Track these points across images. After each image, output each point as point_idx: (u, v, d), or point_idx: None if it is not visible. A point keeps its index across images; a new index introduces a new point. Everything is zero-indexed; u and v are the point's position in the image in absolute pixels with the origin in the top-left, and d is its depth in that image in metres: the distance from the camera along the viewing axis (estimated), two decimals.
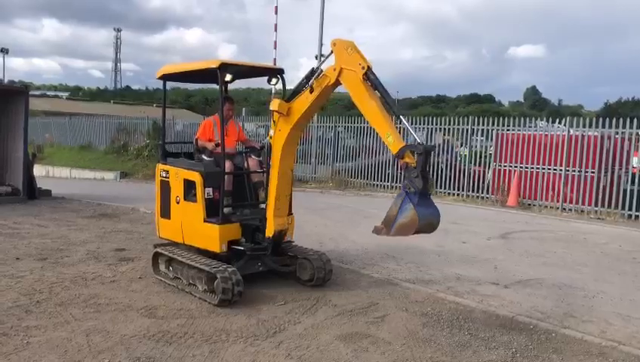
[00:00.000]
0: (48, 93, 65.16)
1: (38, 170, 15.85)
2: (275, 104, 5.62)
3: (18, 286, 5.93)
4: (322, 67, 5.41)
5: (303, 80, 5.56)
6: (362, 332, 4.89)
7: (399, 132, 5.09)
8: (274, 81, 6.40)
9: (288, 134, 5.67)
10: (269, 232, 5.89)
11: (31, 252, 7.54)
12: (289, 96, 5.69)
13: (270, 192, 5.88)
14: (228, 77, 6.34)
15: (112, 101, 59.60)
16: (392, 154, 4.93)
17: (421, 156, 4.61)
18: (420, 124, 17.09)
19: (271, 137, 5.84)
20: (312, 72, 5.46)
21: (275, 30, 21.09)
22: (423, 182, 4.63)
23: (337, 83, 5.25)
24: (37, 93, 53.73)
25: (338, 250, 8.05)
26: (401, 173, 16.88)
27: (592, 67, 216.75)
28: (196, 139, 6.73)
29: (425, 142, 4.83)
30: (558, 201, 13.73)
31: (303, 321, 5.12)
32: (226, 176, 6.14)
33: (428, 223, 4.79)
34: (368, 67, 4.94)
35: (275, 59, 19.77)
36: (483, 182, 15.36)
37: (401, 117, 5.06)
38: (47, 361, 4.07)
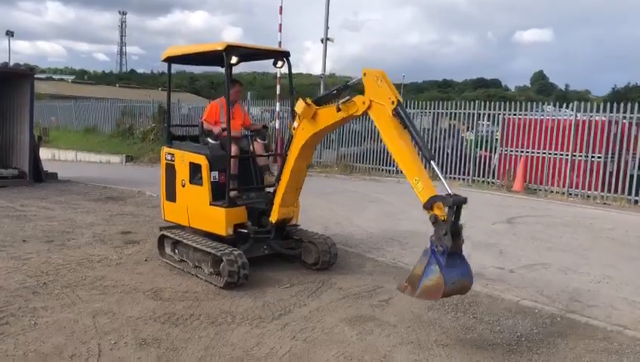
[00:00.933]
0: (54, 76, 65.10)
1: (44, 153, 15.91)
2: (300, 106, 5.35)
3: (25, 268, 5.96)
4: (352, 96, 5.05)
5: (333, 90, 5.41)
6: (367, 315, 4.91)
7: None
8: (280, 63, 6.36)
9: (310, 137, 5.50)
10: (273, 218, 5.91)
11: (37, 234, 7.58)
12: (316, 99, 5.47)
13: (281, 183, 5.86)
14: (234, 59, 6.29)
15: (117, 84, 59.51)
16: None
17: (451, 210, 4.08)
18: (426, 108, 17.02)
19: (294, 128, 5.69)
20: (346, 86, 5.30)
21: (281, 13, 20.85)
22: (453, 240, 4.07)
23: (365, 114, 4.95)
24: (42, 76, 53.69)
25: (343, 234, 8.05)
26: None
27: (600, 52, 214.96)
28: (202, 122, 6.71)
29: (456, 195, 4.14)
30: (564, 186, 13.68)
31: (309, 304, 5.13)
32: (231, 160, 6.14)
33: (457, 287, 4.23)
34: (398, 101, 4.58)
35: (280, 42, 19.60)
36: (489, 167, 15.31)
37: (432, 161, 4.48)
38: (54, 342, 4.10)
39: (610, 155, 13.11)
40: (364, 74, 4.83)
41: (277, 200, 5.89)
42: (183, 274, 5.93)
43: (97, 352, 3.95)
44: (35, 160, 13.46)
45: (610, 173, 13.04)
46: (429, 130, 16.86)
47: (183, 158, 6.31)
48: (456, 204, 4.11)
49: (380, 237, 8.11)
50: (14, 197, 10.72)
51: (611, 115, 13.15)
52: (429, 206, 4.23)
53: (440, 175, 4.47)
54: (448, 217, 4.11)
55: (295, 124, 5.62)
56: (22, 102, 13.36)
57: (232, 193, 6.10)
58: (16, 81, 13.49)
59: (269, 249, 6.11)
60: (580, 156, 13.52)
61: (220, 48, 5.88)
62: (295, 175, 5.80)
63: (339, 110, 5.08)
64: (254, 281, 5.60)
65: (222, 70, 6.23)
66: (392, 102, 4.60)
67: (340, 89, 5.37)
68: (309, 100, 5.36)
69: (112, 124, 26.00)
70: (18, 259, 6.27)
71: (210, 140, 6.45)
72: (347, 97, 5.04)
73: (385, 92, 4.69)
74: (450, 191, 4.23)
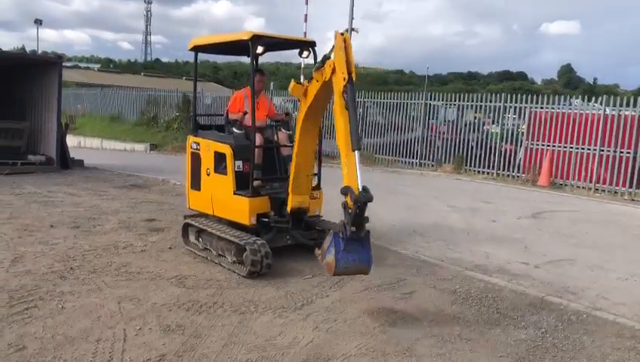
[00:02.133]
0: (80, 64, 65.93)
1: (70, 141, 16.13)
2: (291, 87, 5.50)
3: (52, 252, 6.07)
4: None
5: (319, 63, 5.17)
6: (390, 307, 4.89)
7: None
8: (305, 54, 6.33)
9: (305, 115, 5.52)
10: (288, 207, 5.92)
11: (64, 220, 7.71)
12: (311, 77, 5.40)
13: (291, 169, 5.87)
14: (259, 49, 6.28)
15: (142, 73, 60.05)
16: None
17: (355, 204, 4.27)
18: (450, 100, 16.85)
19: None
20: (322, 59, 5.09)
21: (306, 3, 20.86)
22: (352, 230, 4.36)
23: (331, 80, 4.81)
24: (69, 64, 54.42)
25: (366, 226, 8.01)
26: (427, 150, 16.80)
27: (629, 45, 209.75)
28: (227, 112, 6.73)
29: (366, 191, 4.30)
30: (591, 182, 13.44)
31: (331, 295, 5.14)
32: (256, 150, 6.15)
33: (352, 270, 4.57)
34: (350, 80, 4.50)
35: (305, 32, 19.58)
36: (514, 161, 15.12)
37: (355, 152, 4.46)
38: (81, 326, 4.17)
39: (639, 151, 12.84)
40: (335, 36, 4.69)
41: (290, 187, 5.89)
42: (207, 263, 5.98)
43: (123, 337, 4.01)
44: (62, 147, 13.68)
45: (639, 169, 12.78)
46: (453, 122, 16.70)
47: (208, 147, 6.35)
48: (358, 203, 4.28)
49: (403, 229, 8.07)
50: (42, 183, 10.92)
51: None
52: (343, 192, 4.41)
53: (357, 168, 4.44)
54: (353, 210, 4.30)
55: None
56: (50, 90, 13.57)
57: (256, 183, 6.12)
58: (45, 69, 13.70)
59: (291, 239, 6.12)
60: (608, 151, 13.27)
61: (245, 38, 5.88)
62: (302, 158, 5.75)
63: (317, 80, 5.09)
64: (277, 271, 5.62)
65: (245, 60, 6.25)
66: (344, 79, 4.53)
67: (323, 60, 5.06)
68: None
69: (136, 112, 26.25)
70: (46, 244, 6.39)
71: (235, 130, 6.46)
72: (320, 64, 4.99)
73: (342, 64, 4.58)
74: (359, 187, 4.34)
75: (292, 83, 5.53)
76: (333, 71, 4.72)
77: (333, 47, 4.74)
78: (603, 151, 13.36)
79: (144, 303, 4.70)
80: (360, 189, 4.32)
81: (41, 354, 3.70)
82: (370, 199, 4.33)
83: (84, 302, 4.67)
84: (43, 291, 4.86)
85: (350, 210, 4.33)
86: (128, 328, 4.17)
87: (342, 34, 4.69)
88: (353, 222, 4.34)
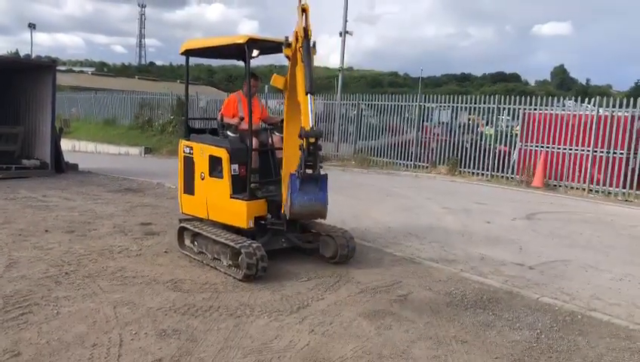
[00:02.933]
0: (74, 68, 65.80)
1: (64, 145, 16.08)
2: (273, 79, 5.74)
3: (47, 257, 6.05)
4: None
5: (286, 42, 5.63)
6: (385, 309, 4.90)
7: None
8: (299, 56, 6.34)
9: (288, 107, 5.72)
10: (282, 208, 5.90)
11: (59, 224, 7.69)
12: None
13: (283, 169, 5.89)
14: (255, 52, 6.28)
15: (136, 77, 59.94)
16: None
17: (306, 140, 4.61)
18: (444, 102, 16.90)
19: None
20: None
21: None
22: (305, 167, 4.65)
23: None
24: (63, 68, 54.29)
25: (360, 228, 8.04)
26: (422, 152, 16.85)
27: (622, 46, 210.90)
28: (221, 115, 6.73)
29: (312, 129, 4.80)
30: (584, 183, 13.51)
31: (327, 298, 5.14)
32: (254, 153, 6.16)
33: (308, 211, 4.81)
34: (306, 37, 5.00)
35: (286, 37, 19.62)
36: (508, 162, 15.18)
37: (309, 96, 4.99)
38: (76, 331, 4.16)
39: (632, 152, 12.91)
40: (298, 7, 5.25)
41: (283, 188, 5.89)
42: (202, 266, 5.97)
43: (119, 342, 4.00)
44: (57, 151, 13.64)
45: (633, 170, 12.86)
46: (447, 124, 16.75)
47: (202, 151, 6.34)
48: (306, 137, 4.67)
49: (398, 231, 8.09)
50: (36, 188, 10.88)
51: (634, 110, 12.95)
52: (300, 135, 4.80)
53: (310, 110, 4.92)
54: (306, 148, 4.68)
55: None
56: (44, 93, 13.54)
57: (253, 185, 6.13)
58: (39, 73, 13.66)
59: (287, 242, 6.12)
60: (602, 152, 13.34)
61: (241, 41, 5.88)
62: (291, 154, 5.73)
63: (288, 58, 5.43)
64: (272, 274, 5.62)
65: (240, 63, 6.23)
66: (301, 36, 5.09)
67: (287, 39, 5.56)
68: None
69: (131, 116, 26.20)
70: (41, 249, 6.37)
71: (230, 133, 6.46)
72: (285, 42, 5.44)
73: (300, 26, 5.13)
74: (312, 126, 4.81)
75: (274, 75, 5.72)
76: (296, 39, 5.21)
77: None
78: (596, 152, 13.43)
79: (140, 307, 4.69)
80: (311, 126, 4.71)
81: (36, 359, 3.69)
82: (319, 134, 4.72)
83: (80, 306, 4.66)
84: (38, 296, 4.84)
85: (304, 150, 4.62)
86: (124, 333, 4.16)
87: (301, 2, 5.25)
88: (306, 160, 4.63)
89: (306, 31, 5.09)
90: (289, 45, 5.39)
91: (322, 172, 5.20)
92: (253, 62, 7.05)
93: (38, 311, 4.52)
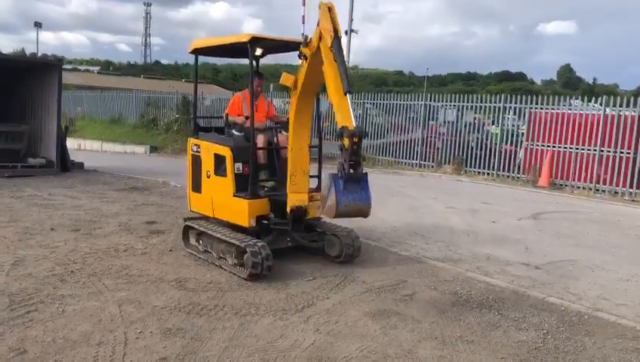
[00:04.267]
0: (80, 67, 65.98)
1: (70, 143, 16.13)
2: (282, 77, 5.67)
3: (53, 256, 6.07)
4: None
5: (304, 41, 5.56)
6: (391, 309, 4.88)
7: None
8: None
9: (297, 107, 5.69)
10: (288, 207, 5.89)
11: (65, 223, 7.71)
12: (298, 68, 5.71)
13: (288, 166, 5.88)
14: (258, 51, 6.28)
15: (141, 76, 60.07)
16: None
17: (350, 140, 4.52)
18: (450, 101, 16.86)
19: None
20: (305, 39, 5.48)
21: (304, 4, 20.89)
22: (350, 168, 4.58)
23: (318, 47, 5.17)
24: (69, 67, 54.44)
25: (366, 227, 8.01)
26: (427, 151, 16.82)
27: (629, 45, 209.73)
28: (226, 114, 6.73)
29: (357, 128, 4.63)
30: (591, 182, 13.44)
31: (332, 297, 5.13)
32: (260, 151, 6.16)
33: (352, 210, 4.71)
34: (336, 36, 4.87)
35: (303, 34, 19.59)
36: (514, 162, 15.12)
37: (348, 95, 4.87)
38: (82, 329, 4.16)
39: (639, 151, 12.84)
40: (319, 5, 5.12)
41: (288, 186, 5.89)
42: (207, 265, 5.97)
43: (123, 340, 4.00)
44: (62, 149, 13.67)
45: None
46: (453, 123, 16.70)
47: (208, 150, 6.35)
48: (353, 136, 4.53)
49: (403, 231, 8.07)
50: (42, 186, 10.91)
51: None
52: (339, 135, 4.65)
53: (350, 110, 4.80)
54: (349, 147, 4.54)
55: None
56: (50, 92, 13.57)
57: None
58: (45, 72, 13.69)
59: (292, 241, 6.10)
60: (608, 152, 13.28)
61: (244, 40, 5.88)
62: (297, 155, 5.82)
63: (305, 57, 5.36)
64: (277, 273, 5.61)
65: (245, 62, 6.23)
66: (331, 36, 4.90)
67: (306, 38, 5.46)
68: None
69: (136, 114, 26.27)
70: (46, 248, 6.38)
71: (235, 132, 6.46)
72: (305, 42, 5.36)
73: (328, 24, 4.97)
74: (354, 125, 4.68)
75: (284, 74, 5.67)
76: (321, 38, 5.06)
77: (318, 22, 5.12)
78: (603, 151, 13.37)
79: (145, 306, 4.69)
80: (354, 125, 4.63)
81: (42, 357, 3.69)
82: (362, 133, 4.63)
83: (85, 305, 4.66)
84: (44, 294, 4.85)
85: (347, 150, 4.55)
86: (129, 331, 4.16)
87: (325, 3, 5.11)
88: (351, 160, 4.55)
89: (336, 30, 4.98)
90: (307, 44, 5.31)
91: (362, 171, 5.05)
92: (260, 61, 7.07)
93: (44, 309, 4.53)
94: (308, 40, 5.32)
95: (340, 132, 4.61)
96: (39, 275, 5.36)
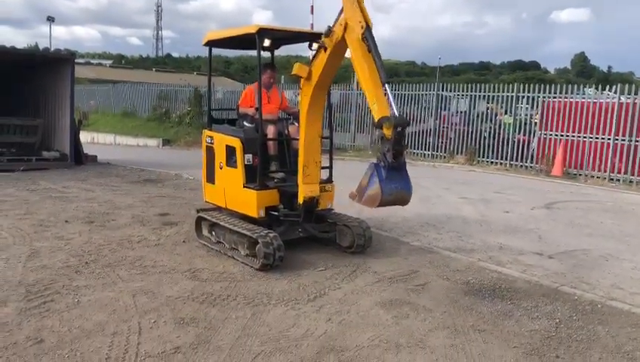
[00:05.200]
0: (92, 61, 66.33)
1: (83, 137, 16.28)
2: (295, 67, 5.62)
3: (68, 247, 6.14)
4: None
5: (321, 40, 5.48)
6: (402, 299, 4.89)
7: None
8: (315, 46, 6.28)
9: (311, 98, 5.65)
10: (300, 198, 5.90)
11: (79, 215, 7.79)
12: (311, 59, 5.66)
13: (299, 159, 5.88)
14: (267, 42, 6.27)
15: (153, 69, 60.27)
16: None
17: (395, 129, 4.52)
18: (462, 91, 16.74)
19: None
20: (327, 30, 5.36)
21: None
22: (393, 157, 4.59)
23: (343, 38, 5.09)
24: (81, 61, 54.75)
25: (377, 218, 8.01)
26: (440, 142, 16.73)
27: None
28: (238, 106, 6.76)
29: (403, 115, 4.65)
30: (605, 171, 13.31)
31: (343, 287, 5.14)
32: (270, 142, 6.17)
33: (395, 198, 4.75)
34: (368, 26, 4.79)
35: (312, 24, 19.56)
36: (527, 151, 15.01)
37: (386, 86, 4.88)
38: (96, 319, 4.22)
39: None
40: None
41: (299, 177, 5.88)
42: (220, 256, 6.01)
43: (138, 330, 4.05)
44: (76, 143, 13.82)
45: None
46: (466, 113, 16.59)
47: (220, 141, 6.39)
48: (398, 125, 4.56)
49: (415, 221, 8.06)
50: (56, 179, 11.03)
51: None
52: (379, 125, 4.65)
53: (391, 100, 4.84)
54: (392, 137, 4.54)
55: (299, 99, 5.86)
56: (63, 86, 13.70)
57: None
58: (58, 66, 13.82)
59: (303, 232, 6.12)
60: (623, 140, 13.12)
61: (252, 31, 5.89)
62: (310, 146, 5.81)
63: (325, 49, 5.29)
64: (289, 264, 5.63)
65: (255, 53, 6.23)
66: (362, 27, 4.80)
67: (330, 29, 5.35)
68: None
69: (148, 107, 26.39)
70: (61, 239, 6.46)
71: (246, 123, 6.49)
72: (327, 32, 5.26)
73: (357, 15, 4.86)
74: (396, 114, 4.76)
75: (297, 64, 5.64)
76: (345, 28, 4.99)
77: (341, 10, 5.06)
78: (618, 140, 13.21)
79: (158, 296, 4.74)
80: (397, 115, 4.67)
81: (58, 346, 3.75)
82: (407, 122, 4.67)
83: (100, 295, 4.72)
84: (59, 285, 4.92)
85: (389, 139, 4.55)
86: (143, 321, 4.21)
87: None
88: (394, 148, 4.55)
89: (366, 18, 4.91)
90: (329, 34, 5.24)
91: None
92: (269, 54, 7.07)
93: (60, 299, 4.60)
94: (329, 33, 5.23)
95: (380, 122, 4.61)
96: (54, 266, 5.44)
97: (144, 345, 3.82)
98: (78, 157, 13.75)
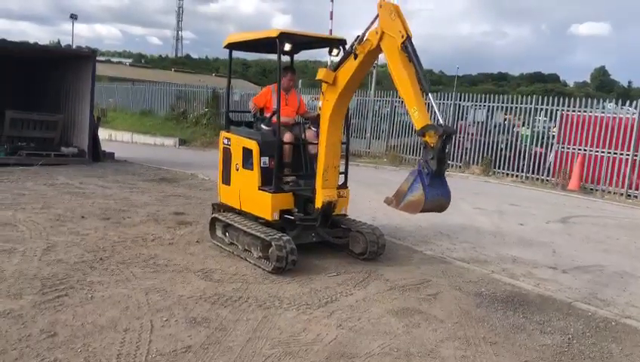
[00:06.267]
0: (112, 59, 67.05)
1: (102, 134, 16.43)
2: (321, 73, 5.61)
3: (83, 243, 6.21)
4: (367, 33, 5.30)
5: (349, 48, 5.50)
6: (414, 308, 4.87)
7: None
8: (335, 52, 6.30)
9: (335, 104, 5.64)
10: (318, 203, 5.88)
11: (95, 211, 7.87)
12: (336, 65, 5.66)
13: (319, 163, 5.88)
14: (287, 47, 6.29)
15: (172, 69, 60.75)
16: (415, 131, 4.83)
17: (441, 138, 4.55)
18: (480, 101, 16.66)
19: (320, 108, 5.84)
20: (357, 38, 5.36)
21: (332, 0, 20.93)
22: (437, 165, 4.61)
23: (379, 48, 5.11)
24: (102, 59, 55.37)
25: (391, 226, 8.01)
26: (456, 151, 16.64)
27: None
28: (253, 105, 6.80)
29: (448, 124, 4.64)
30: (623, 187, 13.16)
31: (355, 293, 5.14)
32: (286, 147, 6.19)
33: (436, 204, 4.82)
34: (408, 36, 4.80)
35: (330, 30, 19.63)
36: (544, 164, 14.89)
37: (429, 95, 4.91)
38: (109, 315, 4.26)
39: None
40: (380, 5, 5.05)
41: (318, 181, 5.87)
42: (233, 257, 6.04)
43: (150, 328, 4.08)
44: (94, 140, 13.94)
45: None
46: (483, 123, 16.50)
47: (237, 143, 6.43)
48: (446, 134, 4.58)
49: (429, 230, 8.03)
50: (74, 175, 11.15)
51: None
52: (421, 133, 4.68)
53: (435, 108, 4.97)
54: (437, 144, 4.57)
55: (320, 103, 5.84)
56: (83, 83, 13.84)
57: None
58: (79, 63, 13.97)
59: (317, 237, 6.12)
60: None
61: (273, 35, 5.92)
62: (330, 151, 5.81)
63: (355, 56, 5.31)
64: (302, 268, 5.64)
65: (274, 57, 6.26)
66: (402, 36, 4.82)
67: (353, 44, 5.40)
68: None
69: (166, 107, 26.57)
70: (77, 234, 6.53)
71: (263, 126, 6.50)
72: (360, 38, 5.29)
73: (397, 25, 4.88)
74: (442, 123, 4.83)
75: (323, 69, 5.65)
76: (381, 37, 5.02)
77: (376, 17, 5.08)
78: (637, 156, 13.06)
79: (171, 295, 4.77)
80: (443, 124, 4.71)
81: (71, 341, 3.79)
82: (454, 131, 4.70)
83: (113, 292, 4.76)
84: (74, 280, 4.97)
85: (433, 146, 4.59)
86: (155, 319, 4.24)
87: (390, 3, 5.01)
88: (438, 156, 4.59)
89: (407, 31, 4.92)
90: (361, 42, 5.26)
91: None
92: (287, 58, 7.09)
93: (74, 294, 4.64)
94: (364, 39, 5.25)
95: (423, 130, 4.65)
96: (70, 261, 5.50)
97: (155, 343, 3.84)
98: (96, 154, 13.88)
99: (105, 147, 14.80)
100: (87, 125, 13.65)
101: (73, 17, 52.17)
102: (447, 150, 4.69)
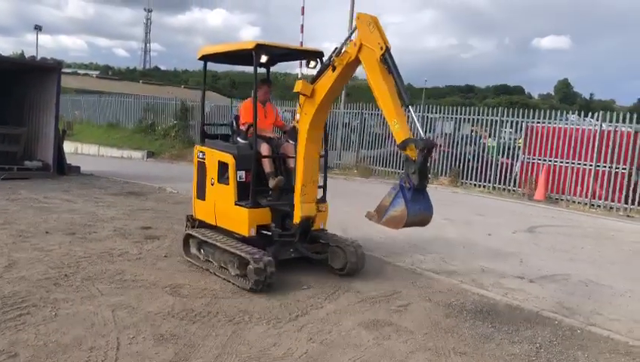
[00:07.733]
0: (79, 71, 65.97)
1: (67, 147, 16.12)
2: (299, 85, 5.57)
3: (47, 259, 6.05)
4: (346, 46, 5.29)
5: (326, 60, 5.49)
6: (384, 320, 4.88)
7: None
8: (312, 64, 6.16)
9: (313, 117, 5.60)
10: (296, 218, 5.79)
11: (60, 226, 7.68)
12: (314, 77, 5.61)
13: (297, 178, 5.81)
14: (264, 58, 6.26)
15: (140, 81, 60.06)
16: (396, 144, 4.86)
17: (422, 152, 4.53)
18: (447, 113, 16.91)
19: (297, 121, 5.80)
20: (335, 50, 5.35)
21: (303, 14, 21.07)
22: (419, 179, 4.59)
23: (358, 60, 5.10)
24: (68, 70, 54.40)
25: (362, 237, 7.97)
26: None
27: (625, 60, 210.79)
28: (232, 122, 6.72)
29: (430, 137, 4.67)
30: (586, 197, 13.49)
31: (326, 306, 5.12)
32: (266, 159, 6.11)
33: (418, 219, 4.79)
34: (387, 48, 4.79)
35: (301, 42, 19.73)
36: (510, 175, 15.17)
37: (410, 108, 4.93)
38: (74, 333, 4.14)
39: (635, 167, 12.90)
40: (358, 17, 5.06)
41: (296, 196, 5.79)
42: (202, 272, 5.95)
43: (116, 346, 3.98)
44: (59, 153, 13.66)
45: (635, 185, 12.84)
46: (450, 135, 16.74)
47: (213, 157, 6.32)
48: (427, 147, 4.56)
49: (400, 241, 8.06)
50: (38, 189, 10.89)
51: (637, 125, 12.95)
52: (402, 147, 4.65)
53: (415, 121, 4.96)
54: (418, 158, 4.54)
55: (297, 116, 5.80)
56: (48, 95, 13.57)
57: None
58: (44, 75, 13.71)
59: (295, 252, 5.99)
60: (604, 167, 13.33)
61: (249, 47, 5.89)
62: (309, 164, 5.75)
63: (334, 68, 5.28)
64: (272, 281, 5.58)
65: (247, 69, 6.24)
66: (381, 48, 4.80)
67: (331, 56, 5.37)
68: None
69: (134, 119, 26.26)
70: (41, 250, 6.36)
71: (240, 140, 6.41)
72: (338, 50, 5.28)
73: (375, 37, 4.87)
74: (423, 136, 4.80)
75: (301, 81, 5.59)
76: (360, 49, 5.00)
77: (353, 32, 5.15)
78: (599, 166, 13.42)
79: (138, 311, 4.67)
80: (424, 137, 4.69)
81: (33, 361, 3.67)
82: (435, 145, 4.66)
83: (78, 309, 4.64)
84: (36, 298, 4.83)
85: (414, 161, 4.55)
86: (122, 337, 4.15)
87: (367, 15, 5.02)
88: (420, 171, 4.54)
89: (386, 43, 4.91)
90: (339, 54, 5.23)
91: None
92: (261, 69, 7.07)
93: (36, 312, 4.51)
94: (342, 51, 5.23)
95: (404, 143, 4.62)
96: (32, 278, 5.34)
97: (122, 361, 3.75)
98: (61, 168, 13.60)
99: (71, 160, 14.51)
100: (52, 138, 13.38)
101: (37, 28, 51.26)
102: (427, 164, 4.64)
